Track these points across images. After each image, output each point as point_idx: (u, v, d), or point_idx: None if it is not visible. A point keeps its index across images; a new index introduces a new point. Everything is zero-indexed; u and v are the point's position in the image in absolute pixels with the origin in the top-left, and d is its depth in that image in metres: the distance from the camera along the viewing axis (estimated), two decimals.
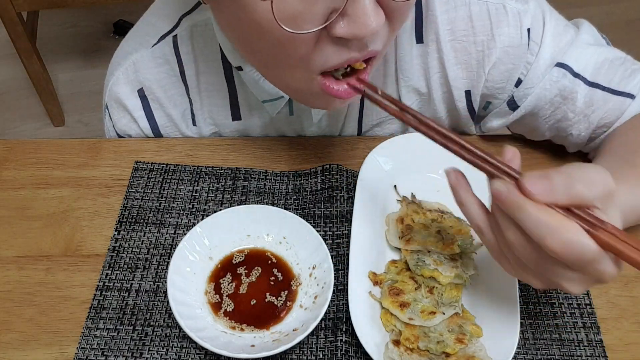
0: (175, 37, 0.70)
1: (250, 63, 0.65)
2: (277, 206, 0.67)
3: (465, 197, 0.50)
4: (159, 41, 0.71)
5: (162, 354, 0.58)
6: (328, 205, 0.68)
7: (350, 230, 0.63)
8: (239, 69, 0.68)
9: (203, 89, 0.73)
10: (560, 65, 0.67)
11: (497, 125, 0.75)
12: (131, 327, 0.60)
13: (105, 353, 0.58)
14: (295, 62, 0.53)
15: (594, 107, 0.68)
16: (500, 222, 0.47)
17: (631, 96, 0.68)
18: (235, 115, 0.75)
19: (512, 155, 0.48)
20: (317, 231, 0.62)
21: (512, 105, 0.72)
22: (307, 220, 0.63)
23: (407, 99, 0.74)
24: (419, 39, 0.69)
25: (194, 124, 0.77)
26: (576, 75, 0.67)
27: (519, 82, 0.70)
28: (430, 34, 0.69)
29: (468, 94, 0.73)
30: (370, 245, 0.64)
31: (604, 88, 0.68)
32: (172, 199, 0.70)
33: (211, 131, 0.77)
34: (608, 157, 0.66)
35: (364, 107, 0.75)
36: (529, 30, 0.67)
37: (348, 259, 0.62)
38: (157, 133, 0.77)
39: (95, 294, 0.62)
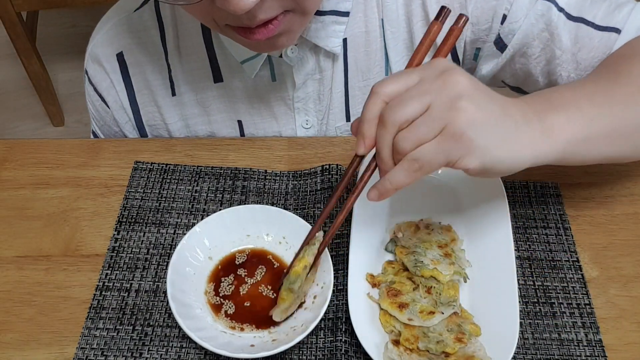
0: (157, 0, 0.71)
1: None
2: (276, 206, 0.67)
3: (387, 183, 0.52)
4: (141, 5, 0.72)
5: (162, 354, 0.58)
6: None
7: (350, 230, 0.63)
8: None
9: (183, 53, 0.74)
10: None
11: (488, 71, 0.74)
12: (131, 327, 0.60)
13: (105, 353, 0.58)
14: (205, 20, 0.59)
15: (580, 45, 0.67)
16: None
17: (617, 30, 0.65)
18: (217, 77, 0.75)
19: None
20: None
21: (500, 44, 0.70)
22: (306, 220, 0.63)
23: (394, 53, 0.73)
24: None
25: (174, 93, 0.76)
26: (560, 9, 0.66)
27: (504, 19, 0.68)
28: None
29: None
30: (370, 245, 0.64)
31: (588, 23, 0.66)
32: (172, 199, 0.70)
33: (192, 99, 0.77)
34: (588, 77, 0.64)
35: (348, 68, 0.75)
36: None
37: (348, 259, 0.62)
38: (132, 100, 0.76)
39: (95, 294, 0.62)
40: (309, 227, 0.62)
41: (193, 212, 0.69)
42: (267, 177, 0.72)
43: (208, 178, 0.72)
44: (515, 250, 0.62)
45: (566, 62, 0.68)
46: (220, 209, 0.67)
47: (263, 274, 0.62)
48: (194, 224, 0.63)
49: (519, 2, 0.67)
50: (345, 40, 0.72)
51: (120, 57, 0.74)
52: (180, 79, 0.75)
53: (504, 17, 0.68)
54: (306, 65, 0.72)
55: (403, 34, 0.72)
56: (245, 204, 0.69)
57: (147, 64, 0.74)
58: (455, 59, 0.74)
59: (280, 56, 0.70)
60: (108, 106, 0.77)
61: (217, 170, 0.72)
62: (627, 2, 0.67)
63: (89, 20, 2.28)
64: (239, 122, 0.78)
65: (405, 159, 0.49)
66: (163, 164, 0.73)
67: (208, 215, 0.64)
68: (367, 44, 0.73)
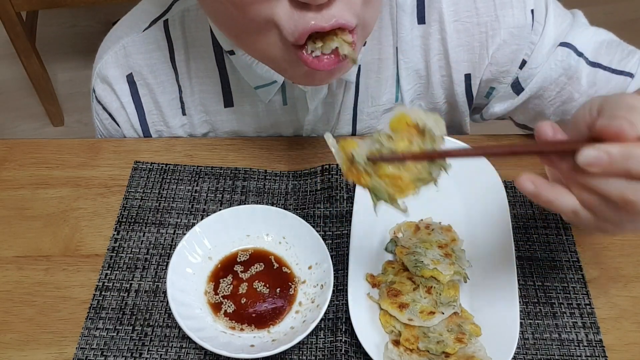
0: (166, 21, 0.70)
1: (230, 39, 0.64)
2: (276, 206, 0.67)
3: (552, 193, 0.45)
4: (150, 25, 0.71)
5: (161, 354, 0.58)
6: (327, 205, 0.68)
7: (349, 230, 0.63)
8: (231, 53, 0.67)
9: (194, 75, 0.73)
10: (564, 44, 0.68)
11: (500, 110, 0.75)
12: (131, 327, 0.60)
13: (104, 353, 0.58)
14: (261, 26, 0.52)
15: (597, 87, 0.69)
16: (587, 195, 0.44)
17: (630, 75, 0.68)
18: (228, 101, 0.75)
19: (552, 130, 0.45)
20: (317, 231, 0.62)
21: (517, 87, 0.72)
22: (306, 220, 0.63)
23: (406, 82, 0.73)
24: (421, 19, 0.69)
25: (184, 113, 0.76)
26: (580, 54, 0.68)
27: (523, 64, 0.70)
28: (433, 14, 0.69)
29: (468, 77, 0.73)
30: (370, 245, 0.64)
31: (605, 68, 0.69)
32: (172, 199, 0.70)
33: (202, 119, 0.77)
34: None
35: (359, 93, 0.74)
36: (532, 11, 0.68)
37: (348, 259, 0.62)
38: (142, 120, 0.76)
39: (94, 294, 0.62)
40: (309, 227, 0.62)
41: (193, 212, 0.69)
42: (267, 177, 0.72)
43: (208, 178, 0.72)
44: (515, 250, 0.62)
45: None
46: (220, 209, 0.66)
47: (263, 274, 0.62)
48: (194, 224, 0.63)
49: (539, 49, 0.68)
50: (358, 66, 0.72)
51: (130, 78, 0.73)
52: (190, 101, 0.75)
53: (524, 62, 0.70)
54: (320, 92, 0.71)
55: (417, 64, 0.72)
56: (245, 204, 0.69)
57: (157, 85, 0.74)
58: (469, 95, 0.75)
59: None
60: (119, 126, 0.77)
61: (217, 170, 0.72)
62: (636, 51, 0.70)
63: (89, 20, 2.28)
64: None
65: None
66: (163, 164, 0.73)
67: (208, 215, 0.64)
68: (379, 70, 0.72)
